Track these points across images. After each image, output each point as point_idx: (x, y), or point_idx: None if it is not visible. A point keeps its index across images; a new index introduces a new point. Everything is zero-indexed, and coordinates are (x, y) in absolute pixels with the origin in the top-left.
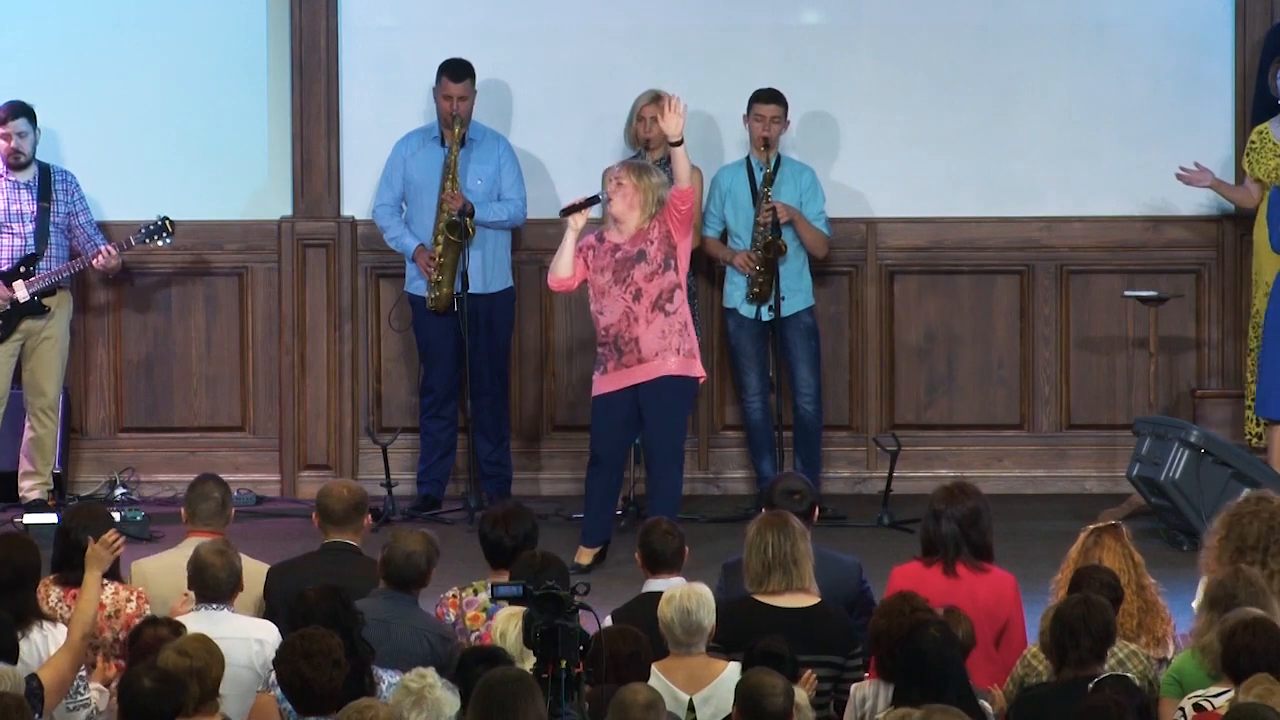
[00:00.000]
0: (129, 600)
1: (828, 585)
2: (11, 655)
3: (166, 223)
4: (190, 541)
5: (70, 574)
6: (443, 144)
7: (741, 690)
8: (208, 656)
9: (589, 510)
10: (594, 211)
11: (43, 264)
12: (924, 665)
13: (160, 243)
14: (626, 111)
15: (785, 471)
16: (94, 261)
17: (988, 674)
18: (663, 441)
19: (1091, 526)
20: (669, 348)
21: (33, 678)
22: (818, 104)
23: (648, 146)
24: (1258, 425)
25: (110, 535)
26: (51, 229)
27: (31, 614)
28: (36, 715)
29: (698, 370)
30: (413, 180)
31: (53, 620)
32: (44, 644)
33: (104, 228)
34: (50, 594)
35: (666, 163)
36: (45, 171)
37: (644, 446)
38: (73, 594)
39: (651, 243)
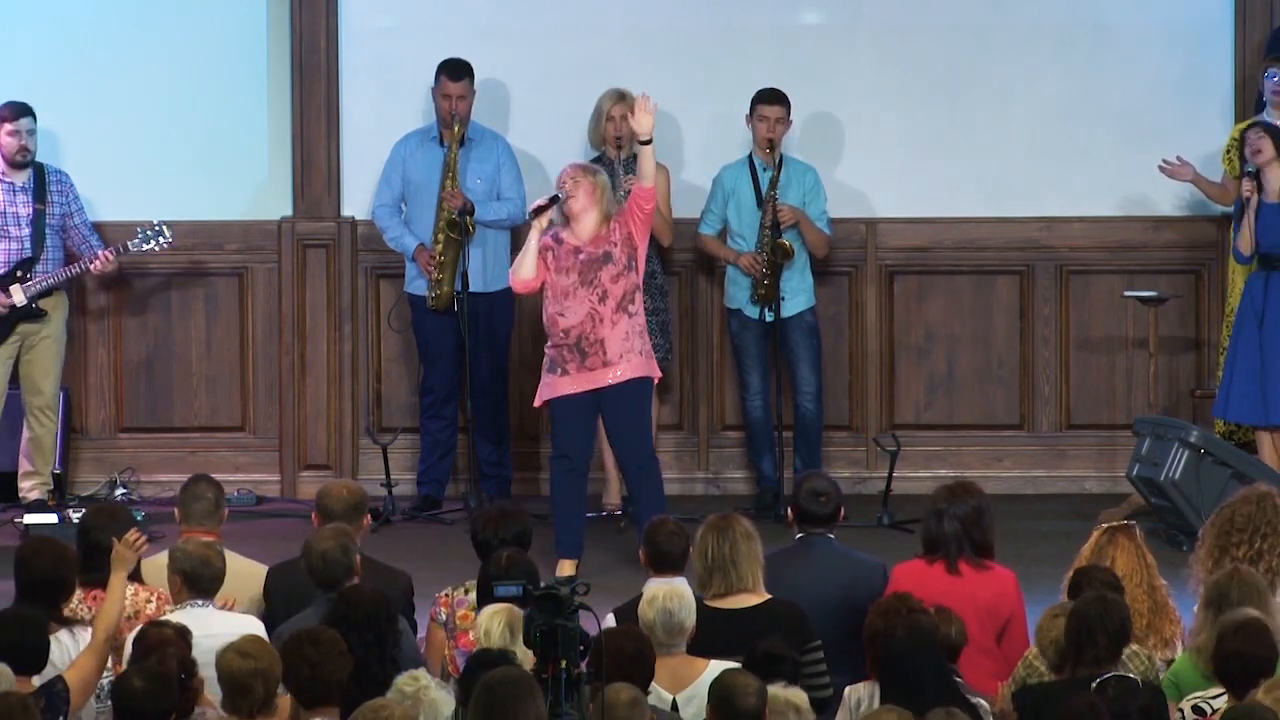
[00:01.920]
0: (149, 601)
1: (849, 586)
2: (42, 655)
3: (163, 227)
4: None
5: (91, 575)
6: (441, 144)
7: (715, 689)
8: (270, 657)
9: (562, 518)
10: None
11: (39, 267)
12: (893, 667)
13: (157, 247)
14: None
15: (811, 471)
16: (92, 266)
17: (989, 671)
18: (636, 445)
19: (1105, 525)
20: (631, 349)
21: (58, 679)
22: (817, 104)
23: (617, 145)
24: (1228, 425)
25: (133, 534)
26: (47, 231)
27: (55, 620)
28: (62, 717)
29: (655, 370)
30: (412, 180)
31: (81, 624)
32: (75, 647)
33: (103, 228)
34: (72, 596)
35: (633, 162)
36: (40, 172)
37: (616, 452)
38: (94, 595)
39: (615, 244)
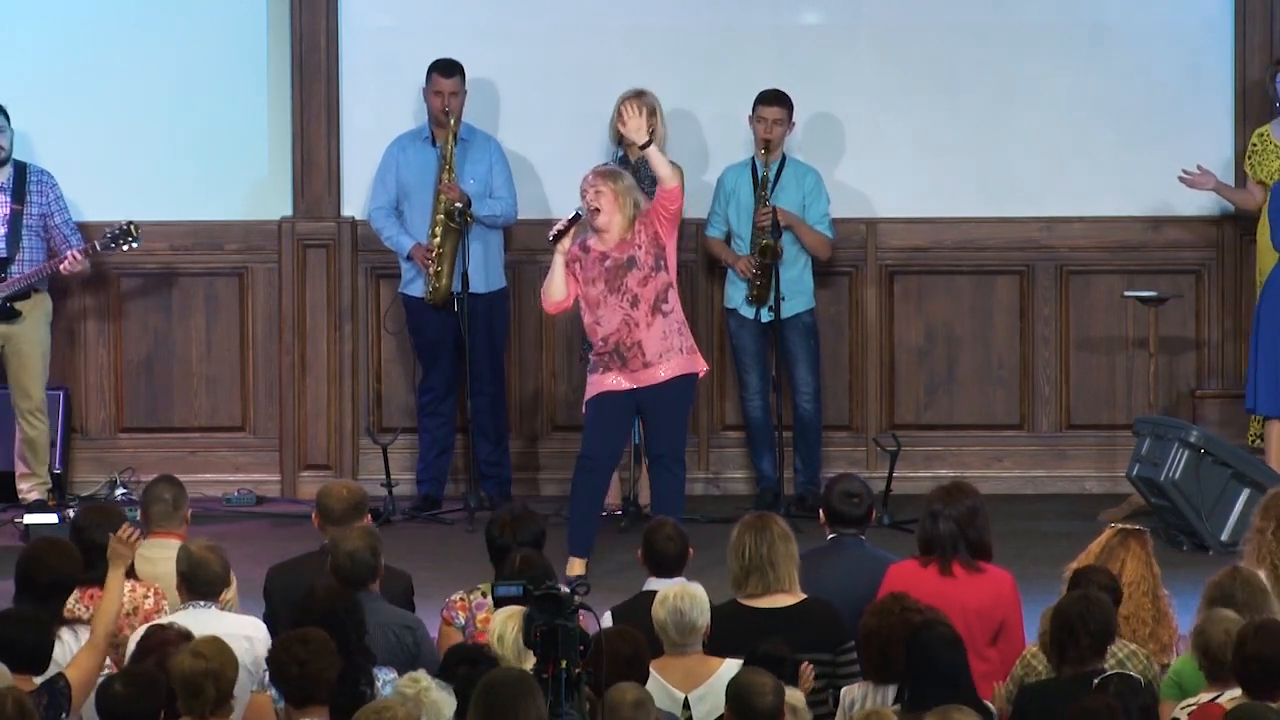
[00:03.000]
0: (146, 597)
1: (872, 584)
2: (45, 655)
3: (132, 227)
4: (152, 543)
5: (87, 574)
6: (433, 144)
7: (732, 689)
8: (223, 658)
9: (577, 518)
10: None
11: (14, 268)
12: (935, 664)
13: (126, 247)
14: None
15: (843, 473)
16: (60, 266)
17: (980, 673)
18: (670, 442)
19: (1119, 526)
20: (672, 348)
21: (60, 677)
22: (817, 104)
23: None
24: (1261, 426)
25: (125, 529)
26: (25, 231)
27: (58, 620)
28: (65, 714)
29: (701, 365)
30: (405, 181)
31: (81, 622)
32: (76, 644)
33: (104, 228)
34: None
35: (646, 162)
36: (21, 171)
37: (648, 448)
38: (90, 594)
39: (639, 247)
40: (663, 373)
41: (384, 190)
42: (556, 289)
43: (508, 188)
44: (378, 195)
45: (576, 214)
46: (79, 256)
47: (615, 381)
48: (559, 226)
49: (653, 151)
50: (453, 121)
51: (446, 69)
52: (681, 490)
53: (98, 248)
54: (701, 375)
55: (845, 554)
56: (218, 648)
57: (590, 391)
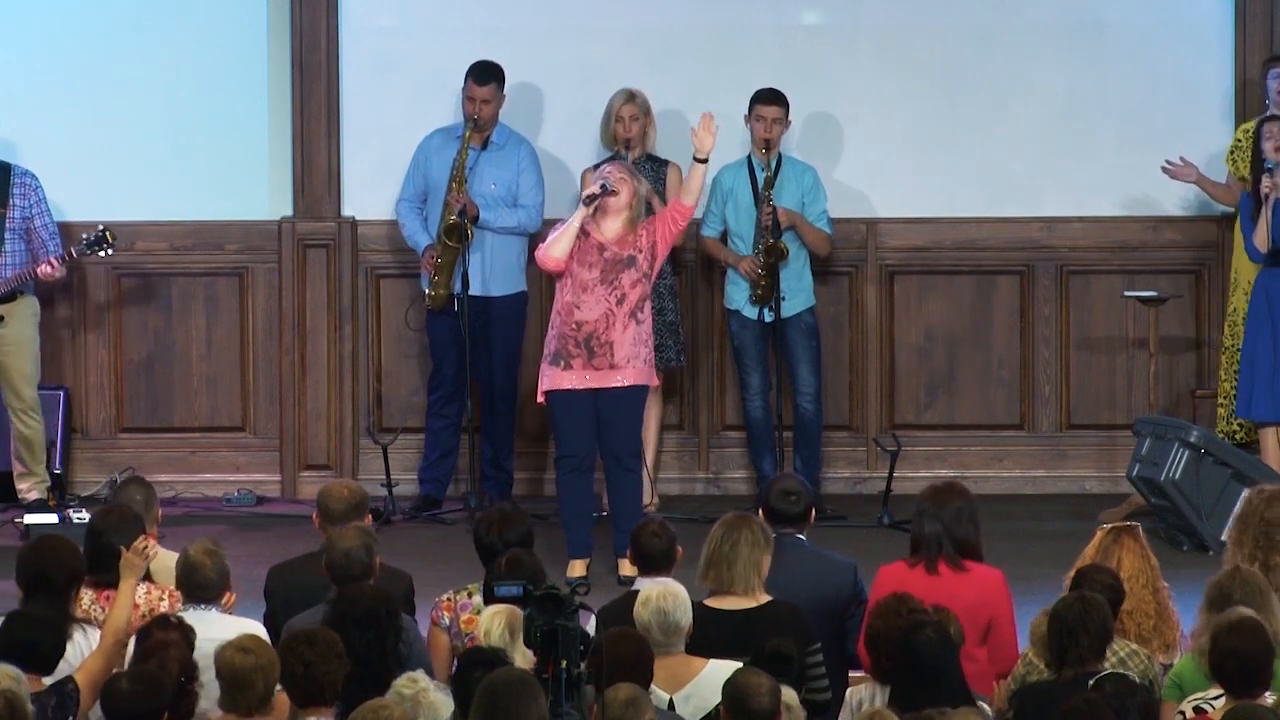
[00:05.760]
0: (161, 599)
1: (819, 585)
2: (57, 656)
3: (107, 233)
4: None
5: (102, 576)
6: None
7: (728, 690)
8: (269, 655)
9: (571, 519)
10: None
11: None
12: (920, 666)
13: (103, 253)
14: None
15: (783, 472)
16: (39, 270)
17: (968, 673)
18: (628, 445)
19: (1109, 525)
20: (637, 356)
21: (69, 680)
22: (817, 104)
23: (627, 146)
24: (1229, 425)
25: (142, 541)
26: (8, 234)
27: (66, 619)
28: (71, 717)
29: (654, 379)
30: (432, 178)
31: (90, 623)
32: (86, 646)
33: (103, 228)
34: (83, 596)
35: (645, 162)
36: (4, 172)
37: (605, 451)
38: (105, 595)
39: (640, 250)
40: (623, 378)
41: (410, 184)
42: (562, 247)
43: (534, 194)
44: (405, 188)
45: (605, 185)
46: (56, 264)
47: (574, 380)
48: (593, 189)
49: (701, 169)
50: (468, 133)
51: (480, 75)
52: (639, 485)
53: (74, 254)
54: (651, 389)
55: (784, 553)
56: (262, 644)
57: (546, 384)
